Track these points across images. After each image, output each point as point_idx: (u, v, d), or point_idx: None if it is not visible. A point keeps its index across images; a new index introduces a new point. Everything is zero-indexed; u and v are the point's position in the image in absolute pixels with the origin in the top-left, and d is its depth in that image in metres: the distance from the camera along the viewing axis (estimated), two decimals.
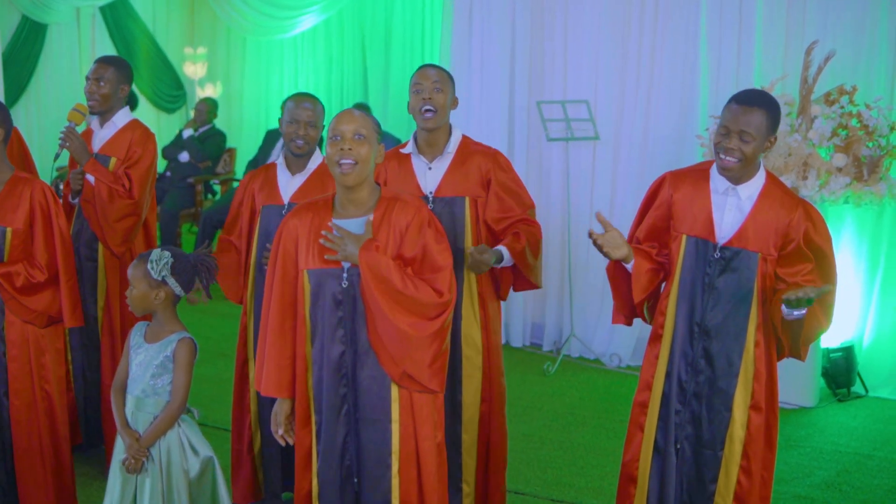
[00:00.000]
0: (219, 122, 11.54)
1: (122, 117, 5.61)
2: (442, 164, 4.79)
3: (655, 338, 4.25)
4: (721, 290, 4.07)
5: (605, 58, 7.68)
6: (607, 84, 7.70)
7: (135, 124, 5.62)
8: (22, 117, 11.58)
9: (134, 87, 12.19)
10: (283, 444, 3.97)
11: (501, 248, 4.67)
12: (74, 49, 12.42)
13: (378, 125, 3.90)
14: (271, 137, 10.62)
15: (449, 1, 8.13)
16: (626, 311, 4.40)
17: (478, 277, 4.79)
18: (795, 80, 6.68)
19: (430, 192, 4.77)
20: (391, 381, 3.83)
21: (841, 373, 7.00)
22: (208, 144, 10.77)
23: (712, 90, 7.21)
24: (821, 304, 4.01)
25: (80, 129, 5.63)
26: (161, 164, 11.28)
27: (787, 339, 4.08)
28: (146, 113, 13.19)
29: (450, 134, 4.82)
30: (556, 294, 8.05)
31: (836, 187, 6.36)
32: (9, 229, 4.50)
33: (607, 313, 7.36)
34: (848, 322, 7.13)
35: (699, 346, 4.12)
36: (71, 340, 5.68)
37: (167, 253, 4.27)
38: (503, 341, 7.70)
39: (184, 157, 10.73)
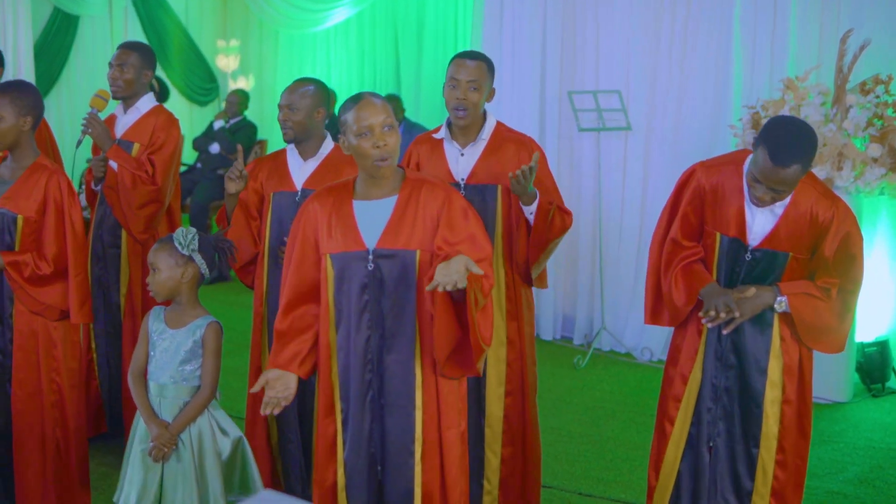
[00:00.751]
0: (251, 115, 11.51)
1: (145, 103, 5.58)
2: (475, 151, 4.70)
3: (692, 332, 4.16)
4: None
5: (637, 47, 7.58)
6: (639, 74, 7.60)
7: (158, 110, 5.60)
8: (53, 109, 11.59)
9: (166, 79, 12.23)
10: (268, 410, 3.75)
11: (536, 192, 4.52)
12: (107, 41, 12.40)
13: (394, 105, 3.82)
14: None
15: None
16: (678, 316, 4.29)
17: (507, 269, 4.70)
18: (830, 70, 6.56)
19: (462, 179, 4.69)
20: (415, 366, 3.76)
21: (875, 368, 6.87)
22: (239, 136, 10.71)
23: (746, 79, 7.09)
24: (829, 303, 3.97)
25: (105, 115, 5.61)
26: (192, 156, 11.33)
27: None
28: (178, 105, 13.17)
29: (484, 120, 4.73)
30: (587, 287, 7.97)
31: (872, 178, 6.24)
32: (20, 217, 4.45)
33: (638, 307, 7.25)
34: (883, 316, 7.00)
35: (727, 341, 4.05)
36: (95, 327, 5.66)
37: (192, 229, 4.23)
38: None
39: (214, 148, 10.70)
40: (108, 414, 5.75)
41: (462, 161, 4.71)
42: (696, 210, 4.12)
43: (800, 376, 4.09)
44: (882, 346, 6.88)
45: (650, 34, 7.53)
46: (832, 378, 6.56)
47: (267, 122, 13.08)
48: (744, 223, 3.97)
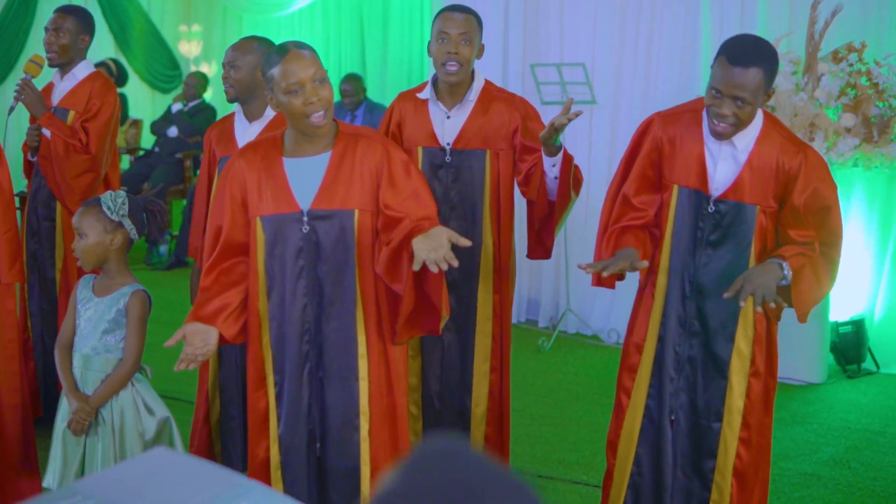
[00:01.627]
0: (213, 101, 11.23)
1: (82, 69, 5.36)
2: (462, 113, 4.42)
3: (647, 296, 3.89)
4: (715, 245, 3.70)
5: (602, 19, 7.32)
6: (605, 46, 7.34)
7: (95, 76, 5.38)
8: (10, 94, 11.24)
9: (127, 65, 11.92)
10: (183, 367, 3.44)
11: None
12: None
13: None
14: None
15: None
16: (614, 278, 4.01)
17: (495, 239, 4.45)
18: (801, 37, 6.33)
19: (448, 144, 4.42)
20: (356, 334, 3.50)
21: (851, 348, 6.63)
22: (198, 119, 10.40)
23: (715, 50, 6.79)
24: (813, 265, 3.64)
25: (45, 82, 5.41)
26: (149, 140, 11.03)
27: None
28: (141, 92, 12.92)
29: (472, 79, 4.44)
30: (551, 267, 7.69)
31: (845, 149, 6.02)
32: None
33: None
34: (858, 295, 6.76)
35: (692, 306, 3.76)
36: (30, 306, 5.40)
37: (122, 192, 3.98)
38: None
39: (172, 132, 10.39)
40: (42, 397, 5.45)
41: (448, 124, 4.43)
42: (654, 163, 3.83)
43: (768, 347, 3.80)
44: (857, 325, 6.64)
45: (616, 5, 7.27)
46: (806, 358, 6.33)
47: (228, 108, 12.77)
48: (704, 172, 3.70)
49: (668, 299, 3.80)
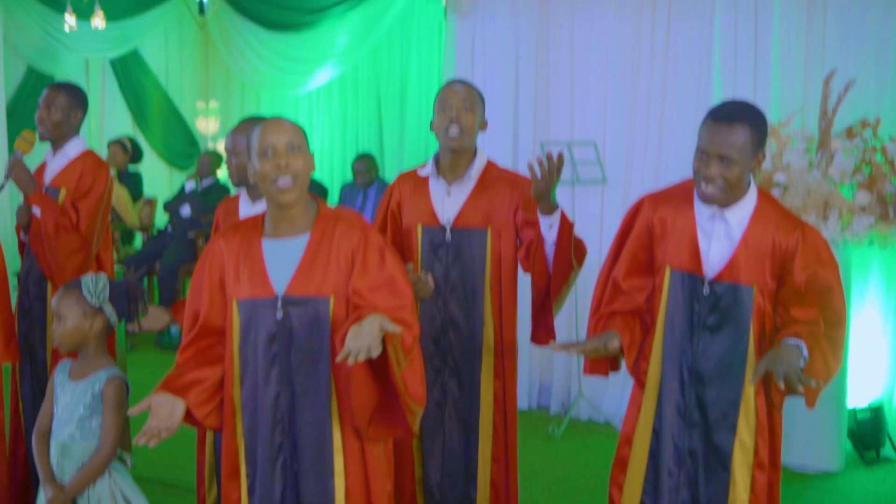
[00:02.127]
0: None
1: (74, 147, 5.26)
2: (463, 190, 4.32)
3: (638, 385, 3.72)
4: (713, 329, 3.54)
5: (613, 98, 7.19)
6: (616, 125, 7.20)
7: (87, 154, 5.27)
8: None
9: (144, 142, 11.90)
10: (143, 441, 3.19)
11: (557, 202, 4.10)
12: None
13: (306, 134, 3.44)
14: None
15: (451, 36, 7.74)
16: (606, 364, 3.87)
17: (496, 322, 4.31)
18: (815, 113, 6.18)
19: (448, 221, 4.30)
20: (332, 428, 3.32)
21: (869, 434, 6.36)
22: (211, 198, 10.31)
23: None
24: (820, 347, 3.47)
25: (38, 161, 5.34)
26: (163, 219, 10.95)
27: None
28: (158, 169, 12.86)
29: (474, 157, 4.34)
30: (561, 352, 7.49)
31: (860, 228, 5.83)
32: None
33: (618, 372, 6.82)
34: (876, 379, 6.51)
35: (691, 394, 3.58)
36: (21, 389, 5.26)
37: (103, 275, 3.88)
38: None
39: (185, 211, 10.30)
40: (34, 485, 5.29)
41: (448, 202, 4.33)
42: (645, 245, 3.71)
43: (771, 437, 3.61)
44: (876, 411, 6.39)
45: (627, 84, 7.15)
46: (822, 446, 6.09)
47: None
48: (698, 253, 3.55)
49: (664, 388, 3.63)
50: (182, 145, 13.29)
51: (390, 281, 3.31)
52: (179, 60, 13.31)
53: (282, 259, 3.34)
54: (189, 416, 3.34)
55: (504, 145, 7.48)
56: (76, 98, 5.26)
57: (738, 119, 3.39)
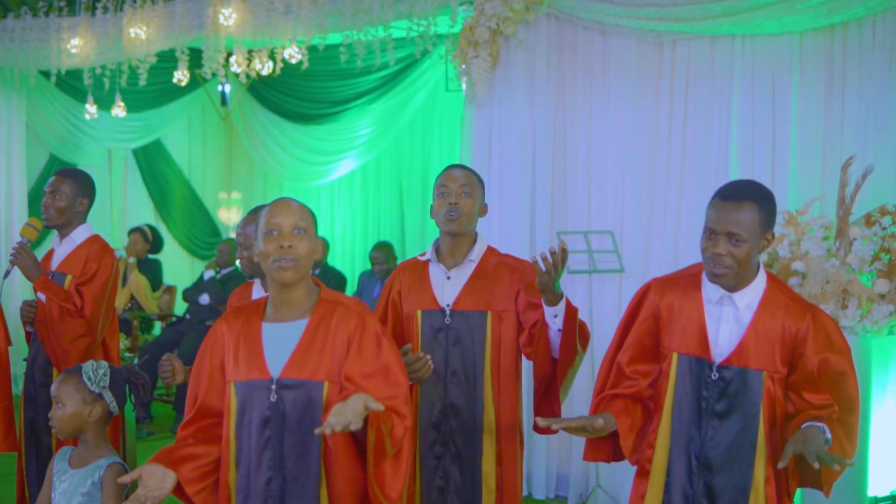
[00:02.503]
0: None
1: (81, 233, 5.29)
2: (462, 274, 4.28)
3: (642, 473, 3.62)
4: (721, 416, 3.45)
5: (630, 186, 7.15)
6: (633, 214, 7.14)
7: (93, 239, 5.28)
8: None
9: (166, 231, 11.93)
10: None
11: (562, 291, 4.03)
12: (105, 191, 12.09)
13: (314, 217, 3.42)
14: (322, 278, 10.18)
15: (468, 125, 7.73)
16: (608, 450, 3.78)
17: (497, 407, 4.23)
18: (833, 200, 6.11)
19: (448, 305, 4.25)
20: None
21: None
22: (229, 287, 10.25)
23: None
24: (836, 431, 3.37)
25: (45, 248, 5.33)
26: (181, 307, 10.92)
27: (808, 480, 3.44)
28: (180, 258, 12.91)
29: (474, 242, 4.31)
30: (581, 440, 7.37)
31: (880, 316, 5.72)
32: None
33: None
34: None
35: (700, 483, 3.48)
36: (27, 475, 5.22)
37: (104, 363, 3.84)
38: (525, 493, 7.03)
39: (204, 299, 10.27)
40: None
41: (448, 285, 4.29)
42: (651, 331, 3.64)
43: None
44: None
45: (644, 172, 7.10)
46: None
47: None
48: (706, 337, 3.48)
49: (671, 477, 3.53)
50: (204, 235, 13.35)
51: (385, 369, 3.27)
52: (202, 150, 13.43)
53: (280, 342, 3.31)
54: (181, 492, 3.30)
55: (521, 234, 7.43)
56: (82, 185, 5.29)
57: (745, 197, 3.38)
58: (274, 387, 3.26)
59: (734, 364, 3.45)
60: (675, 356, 3.55)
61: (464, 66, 7.39)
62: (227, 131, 13.62)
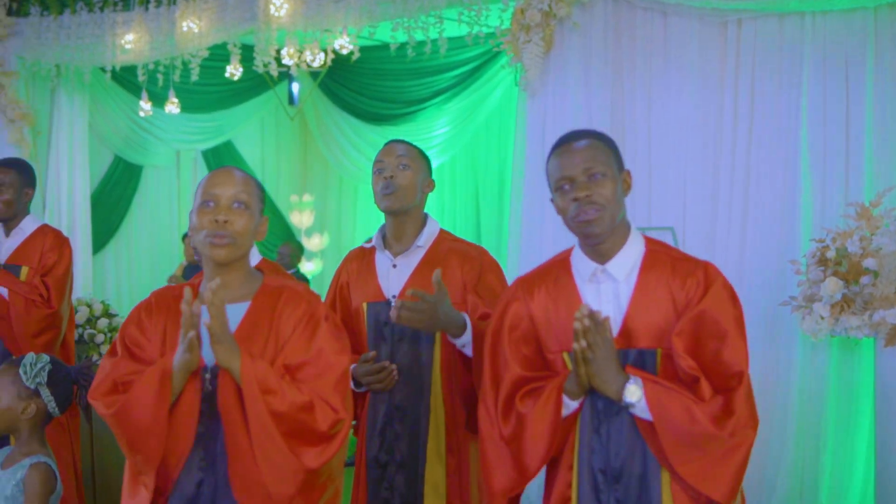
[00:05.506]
0: (327, 273, 10.86)
1: (29, 224, 5.14)
2: (409, 262, 3.81)
3: (563, 500, 3.02)
4: (615, 414, 2.91)
5: (693, 179, 6.57)
6: (696, 208, 6.57)
7: (45, 229, 5.12)
8: (111, 261, 11.08)
9: None
10: None
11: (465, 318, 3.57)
12: (173, 192, 11.90)
13: (262, 192, 2.99)
14: None
15: (522, 117, 7.27)
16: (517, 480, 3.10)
17: (448, 410, 3.73)
18: None
19: (394, 296, 3.78)
20: None
21: None
22: None
23: (817, 210, 6.03)
24: (701, 404, 2.81)
25: None
26: None
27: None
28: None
29: (423, 225, 3.84)
30: None
31: None
32: None
33: None
34: None
35: (611, 500, 2.92)
36: None
37: (45, 357, 3.46)
38: None
39: None
40: None
41: (394, 274, 3.82)
42: (527, 337, 3.08)
43: None
44: None
45: (708, 164, 6.53)
46: None
47: (327, 279, 12.41)
48: None
49: (581, 494, 2.96)
50: (276, 238, 13.05)
51: (319, 353, 2.89)
52: (275, 152, 13.16)
53: None
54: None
55: None
56: (26, 175, 5.14)
57: (583, 136, 2.99)
58: (208, 376, 2.90)
59: (622, 347, 2.92)
60: (566, 356, 3.02)
61: (513, 54, 6.92)
62: (300, 133, 13.36)
